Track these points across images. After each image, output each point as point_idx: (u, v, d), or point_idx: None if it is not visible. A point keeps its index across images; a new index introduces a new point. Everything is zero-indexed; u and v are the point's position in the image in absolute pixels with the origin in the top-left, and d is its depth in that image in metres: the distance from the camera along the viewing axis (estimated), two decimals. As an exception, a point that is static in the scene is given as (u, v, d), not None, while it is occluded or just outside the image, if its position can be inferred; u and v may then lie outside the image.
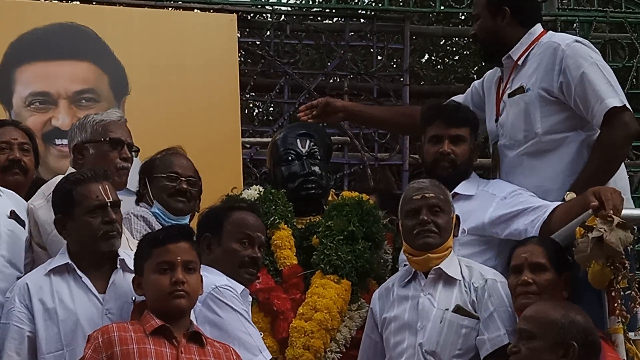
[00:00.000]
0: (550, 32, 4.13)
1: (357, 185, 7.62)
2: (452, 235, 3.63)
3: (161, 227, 3.90)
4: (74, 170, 3.90)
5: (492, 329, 3.46)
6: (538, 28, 4.05)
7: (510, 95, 3.98)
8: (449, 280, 3.58)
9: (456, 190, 3.88)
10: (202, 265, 3.34)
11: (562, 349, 2.96)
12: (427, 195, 3.60)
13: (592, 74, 3.77)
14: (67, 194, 3.37)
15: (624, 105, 3.74)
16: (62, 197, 3.40)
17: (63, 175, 3.83)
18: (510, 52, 4.01)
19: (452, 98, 4.37)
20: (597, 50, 3.93)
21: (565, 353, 2.96)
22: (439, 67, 11.10)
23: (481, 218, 3.81)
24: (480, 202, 3.87)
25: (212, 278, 3.41)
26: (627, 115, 3.73)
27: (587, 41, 4.01)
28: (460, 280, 3.57)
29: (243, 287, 3.50)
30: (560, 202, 3.66)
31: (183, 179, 4.04)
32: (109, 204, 3.36)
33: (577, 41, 3.90)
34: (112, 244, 3.35)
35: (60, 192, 3.43)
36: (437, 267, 3.59)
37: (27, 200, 3.79)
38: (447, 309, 3.52)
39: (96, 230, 3.33)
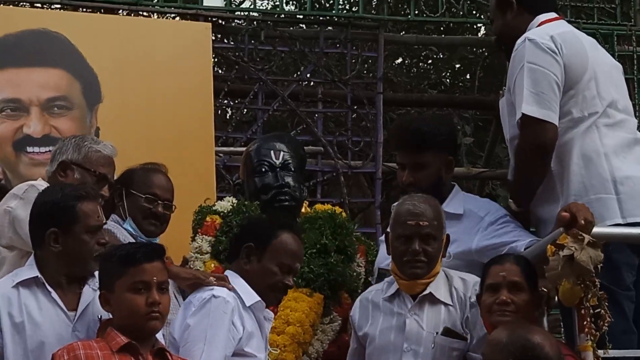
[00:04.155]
0: (546, 22, 3.81)
1: (331, 193, 7.65)
2: (441, 258, 3.58)
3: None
4: (45, 180, 3.89)
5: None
6: (541, 17, 3.83)
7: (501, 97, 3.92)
8: (437, 301, 3.54)
9: (444, 207, 3.80)
10: (230, 272, 3.46)
11: None
12: (421, 223, 3.51)
13: (519, 79, 3.63)
14: (69, 209, 3.31)
15: (538, 117, 3.56)
16: (62, 210, 3.31)
17: (35, 182, 3.81)
18: None
19: None
20: (546, 49, 3.63)
21: None
22: (412, 72, 11.17)
23: (468, 244, 3.76)
24: (467, 224, 3.82)
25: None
26: (538, 127, 3.57)
27: (540, 38, 3.67)
28: (450, 305, 3.53)
29: (259, 299, 3.46)
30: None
31: (160, 202, 4.03)
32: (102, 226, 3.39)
33: (526, 39, 3.68)
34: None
35: (58, 205, 3.33)
36: (426, 291, 3.54)
37: None
38: (437, 333, 3.48)
39: (91, 250, 3.30)
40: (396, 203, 3.66)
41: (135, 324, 3.10)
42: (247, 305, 3.43)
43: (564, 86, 3.65)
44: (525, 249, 3.59)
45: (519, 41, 3.70)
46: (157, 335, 3.21)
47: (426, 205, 3.57)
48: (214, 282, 3.45)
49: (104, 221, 3.42)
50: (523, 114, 3.58)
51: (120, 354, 3.05)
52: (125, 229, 3.97)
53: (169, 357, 3.16)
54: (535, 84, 3.59)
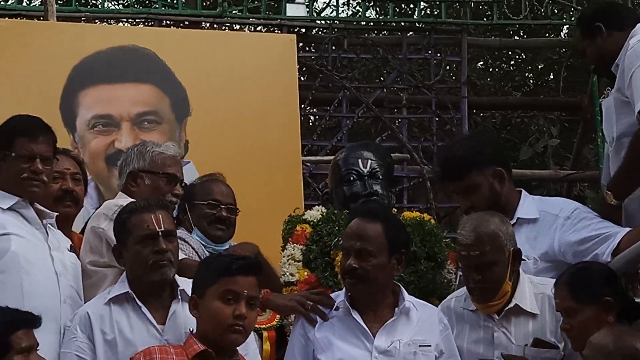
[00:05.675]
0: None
1: (417, 198, 7.63)
2: (508, 277, 3.46)
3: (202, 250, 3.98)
4: (122, 193, 3.97)
5: None
6: (638, 28, 3.82)
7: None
8: (524, 312, 3.49)
9: (518, 215, 3.78)
10: None
11: None
12: (472, 254, 3.42)
13: (637, 75, 3.61)
14: (122, 224, 3.39)
15: None
16: (118, 226, 3.42)
17: (116, 199, 3.90)
18: (617, 61, 3.82)
19: None
20: None
21: None
22: (495, 74, 11.07)
23: (549, 243, 3.71)
24: (544, 225, 3.76)
25: None
26: None
27: None
28: (537, 314, 3.49)
29: None
30: (628, 229, 3.58)
31: (223, 206, 4.08)
32: (160, 234, 3.34)
33: None
34: (162, 272, 3.32)
35: (116, 221, 3.45)
36: (512, 304, 3.49)
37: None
38: (527, 345, 3.42)
39: (146, 260, 3.31)
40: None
41: (217, 334, 3.09)
42: None
43: None
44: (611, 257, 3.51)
45: (632, 40, 3.68)
46: (240, 349, 3.20)
47: (476, 231, 3.44)
48: (311, 310, 3.48)
49: (161, 228, 3.35)
50: None
51: None
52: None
53: None
54: None
